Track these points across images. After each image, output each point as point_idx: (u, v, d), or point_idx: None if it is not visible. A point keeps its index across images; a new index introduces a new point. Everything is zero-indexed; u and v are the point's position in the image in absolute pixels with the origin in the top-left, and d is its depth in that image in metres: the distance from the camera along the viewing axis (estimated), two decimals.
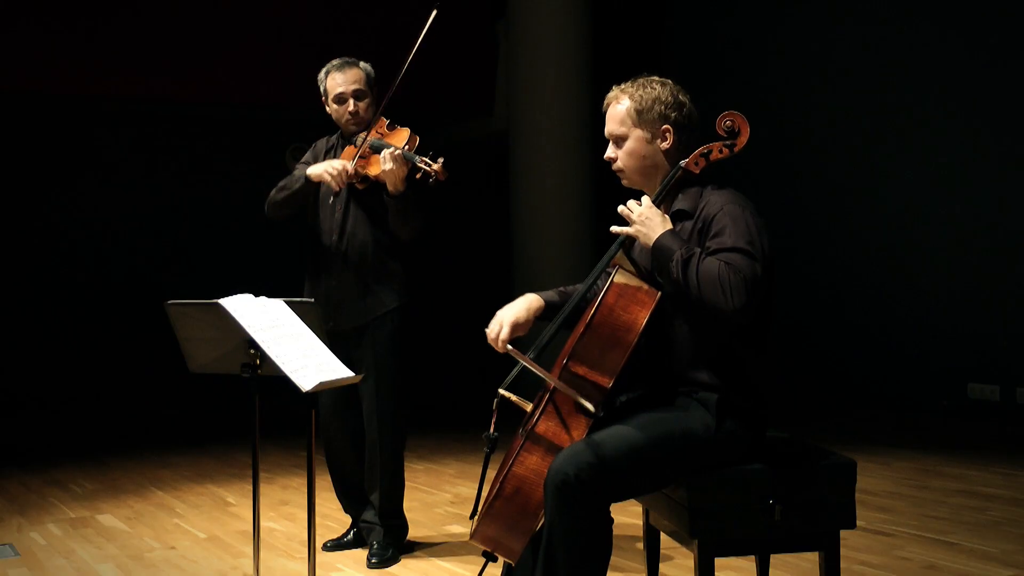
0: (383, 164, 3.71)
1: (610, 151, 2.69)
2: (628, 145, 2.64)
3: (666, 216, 2.55)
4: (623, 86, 2.68)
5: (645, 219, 2.53)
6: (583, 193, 7.75)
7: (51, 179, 8.36)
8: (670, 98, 2.63)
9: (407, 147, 3.77)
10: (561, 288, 2.83)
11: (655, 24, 8.84)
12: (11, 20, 7.11)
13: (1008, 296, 6.40)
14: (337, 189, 3.83)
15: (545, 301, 2.74)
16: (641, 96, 2.63)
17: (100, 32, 7.43)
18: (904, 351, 6.97)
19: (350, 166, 3.80)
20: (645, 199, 2.58)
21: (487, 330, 2.67)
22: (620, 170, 2.69)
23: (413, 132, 3.85)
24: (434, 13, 3.70)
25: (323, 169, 3.84)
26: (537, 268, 7.68)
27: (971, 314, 6.59)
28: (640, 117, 2.62)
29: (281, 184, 4.02)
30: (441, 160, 3.66)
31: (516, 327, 2.67)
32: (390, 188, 3.76)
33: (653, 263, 2.53)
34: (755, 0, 8.08)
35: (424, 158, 3.68)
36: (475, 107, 9.17)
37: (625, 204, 2.58)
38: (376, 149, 3.82)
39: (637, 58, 8.43)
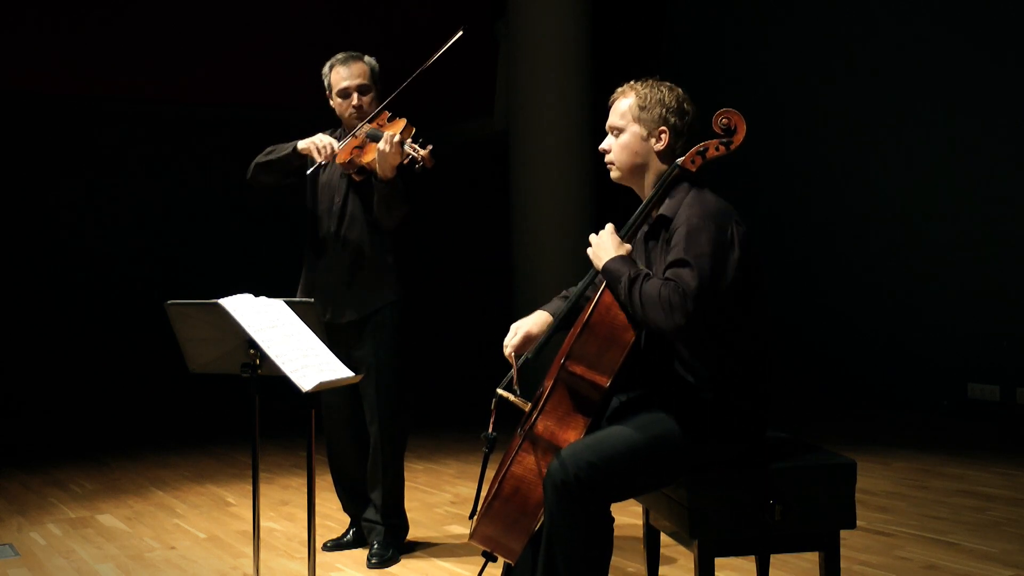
0: (380, 145, 3.68)
1: (605, 142, 2.72)
2: (623, 138, 2.66)
3: (624, 244, 2.57)
4: (633, 83, 2.71)
5: (599, 244, 2.57)
6: (583, 193, 7.74)
7: (51, 179, 8.34)
8: (674, 103, 2.64)
9: (402, 135, 3.78)
10: (564, 293, 2.86)
11: (655, 23, 8.84)
12: (11, 20, 7.11)
13: (1008, 296, 6.40)
14: (319, 160, 3.80)
15: (552, 314, 2.78)
16: (647, 95, 2.65)
17: (100, 32, 7.44)
18: (904, 351, 6.97)
19: (338, 145, 3.81)
20: (608, 227, 2.61)
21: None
22: (611, 162, 2.71)
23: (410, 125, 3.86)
24: (459, 33, 3.72)
25: (310, 141, 3.83)
26: (537, 268, 7.66)
27: (971, 314, 6.59)
28: (640, 113, 2.64)
29: (269, 148, 4.00)
30: (430, 148, 3.67)
31: (528, 339, 2.70)
32: (380, 173, 3.74)
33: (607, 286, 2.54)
34: (755, 0, 8.08)
35: (414, 144, 3.70)
36: (475, 107, 9.16)
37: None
38: (373, 138, 3.83)
39: (637, 58, 8.44)
